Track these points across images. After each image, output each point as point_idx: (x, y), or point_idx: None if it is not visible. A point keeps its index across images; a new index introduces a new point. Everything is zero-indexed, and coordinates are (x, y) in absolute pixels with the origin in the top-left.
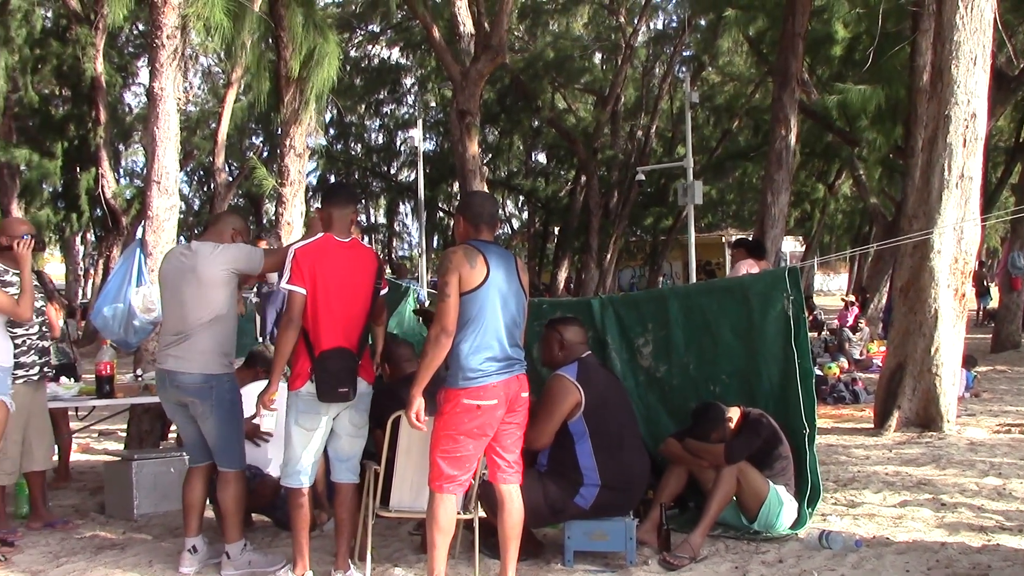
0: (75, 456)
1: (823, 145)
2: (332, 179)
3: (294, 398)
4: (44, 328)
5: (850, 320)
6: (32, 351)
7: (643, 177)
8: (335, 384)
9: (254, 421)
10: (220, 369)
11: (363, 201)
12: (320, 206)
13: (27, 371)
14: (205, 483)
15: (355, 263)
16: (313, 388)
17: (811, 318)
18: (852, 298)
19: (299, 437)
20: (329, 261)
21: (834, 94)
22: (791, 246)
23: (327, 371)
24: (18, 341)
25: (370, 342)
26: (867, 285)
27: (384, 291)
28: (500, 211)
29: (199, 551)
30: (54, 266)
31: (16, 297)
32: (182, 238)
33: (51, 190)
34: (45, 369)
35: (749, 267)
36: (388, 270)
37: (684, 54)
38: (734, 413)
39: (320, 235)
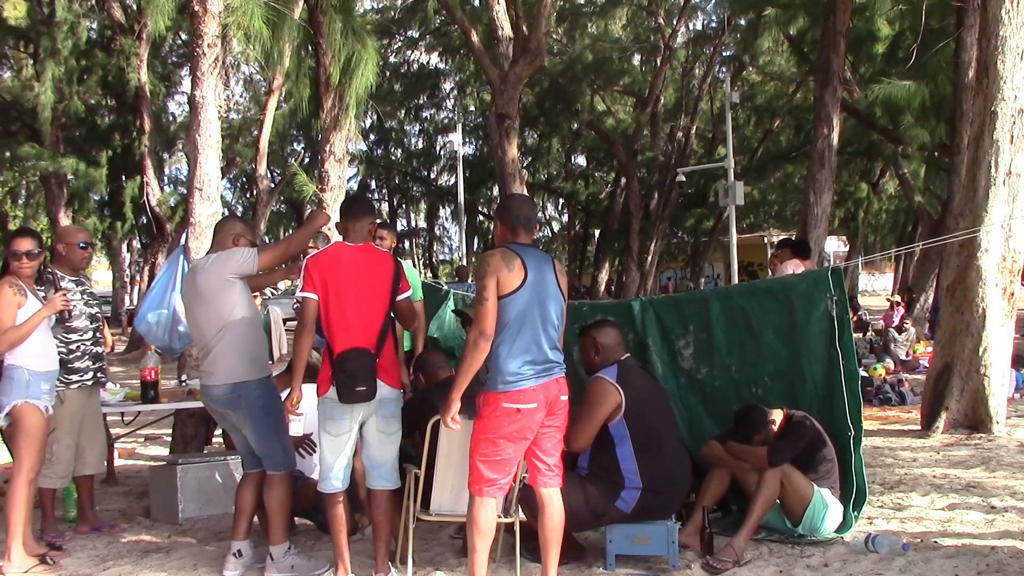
0: (120, 461)
1: (866, 143)
2: (373, 184)
3: (321, 405)
4: (98, 335)
5: (896, 320)
6: (86, 356)
7: (683, 178)
8: (352, 383)
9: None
10: (245, 376)
11: (403, 206)
12: (339, 219)
13: (81, 376)
14: (257, 489)
15: (368, 266)
16: (335, 393)
17: (855, 319)
18: (898, 298)
19: (328, 443)
20: (340, 266)
21: (877, 91)
22: (834, 246)
23: (344, 371)
24: (72, 347)
25: (407, 347)
26: (913, 285)
27: (407, 294)
28: (540, 214)
29: (244, 555)
30: (101, 273)
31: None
32: None
33: (97, 198)
34: (99, 375)
35: (795, 267)
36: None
37: (724, 54)
38: (777, 415)
39: (331, 243)
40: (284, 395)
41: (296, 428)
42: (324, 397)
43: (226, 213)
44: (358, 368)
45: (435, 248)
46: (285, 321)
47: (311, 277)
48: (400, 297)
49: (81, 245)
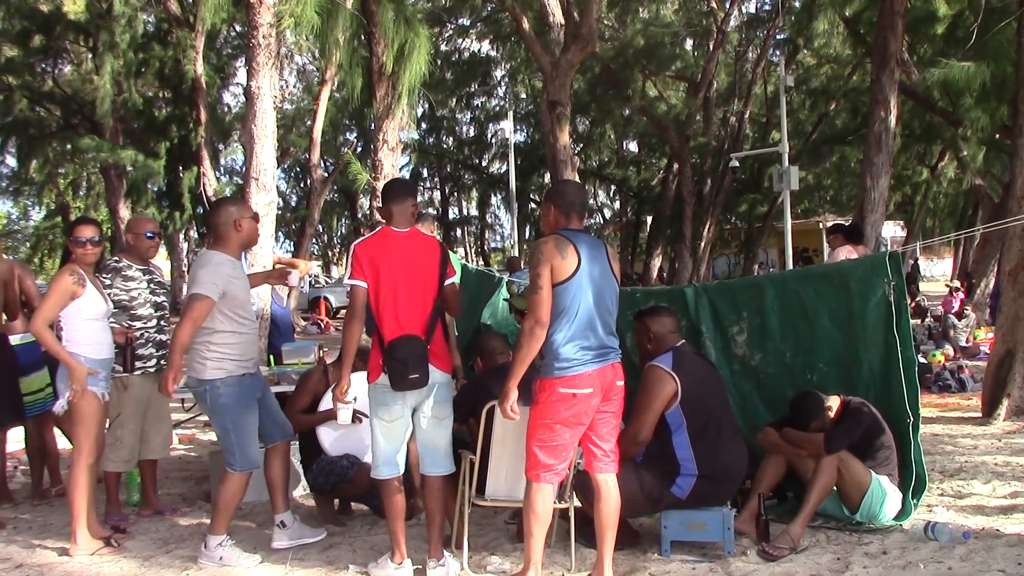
0: (180, 446)
1: (925, 126)
2: (424, 172)
3: (372, 391)
4: (163, 322)
5: (955, 306)
6: (151, 344)
7: (737, 164)
8: (405, 371)
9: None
10: (212, 375)
11: (455, 194)
12: (380, 204)
13: (145, 363)
14: (282, 461)
15: (416, 251)
16: (387, 380)
17: (914, 305)
18: (957, 284)
19: (380, 429)
20: (388, 251)
21: (936, 72)
22: (892, 231)
23: (396, 359)
24: (137, 334)
25: (456, 334)
26: (973, 270)
27: (453, 279)
28: (591, 201)
29: (288, 526)
30: (159, 263)
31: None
32: (280, 233)
33: (155, 189)
34: (163, 362)
35: (848, 253)
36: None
37: (778, 37)
38: (833, 402)
39: (378, 229)
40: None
41: (345, 416)
42: (375, 384)
43: (280, 203)
44: (410, 356)
45: (487, 236)
46: (337, 310)
47: (360, 264)
48: (448, 282)
49: (148, 235)
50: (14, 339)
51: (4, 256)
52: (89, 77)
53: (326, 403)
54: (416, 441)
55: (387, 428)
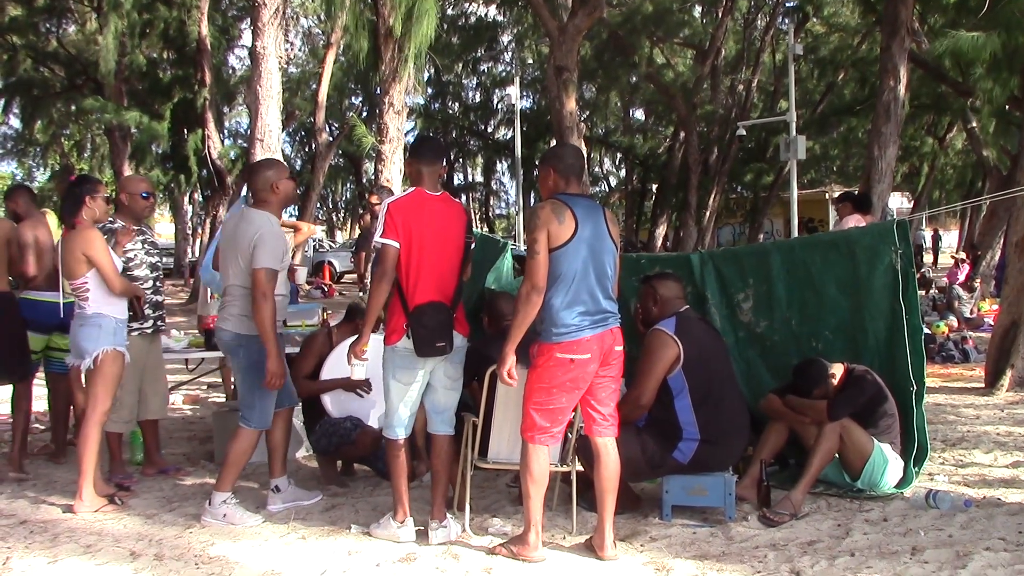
0: (184, 407)
1: (934, 97)
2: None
3: (391, 353)
4: (158, 283)
5: (961, 278)
6: (147, 305)
7: (744, 132)
8: (432, 339)
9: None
10: (250, 331)
11: (460, 160)
12: (408, 161)
13: (142, 324)
14: (285, 426)
15: (447, 216)
16: (409, 343)
17: (919, 276)
18: (963, 255)
19: (396, 391)
20: (423, 215)
21: (946, 42)
22: (898, 202)
23: (424, 326)
24: None
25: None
26: (979, 242)
27: (472, 245)
28: (597, 169)
29: (283, 490)
30: (163, 226)
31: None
32: None
33: (160, 151)
34: (159, 323)
35: (856, 222)
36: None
37: (787, 5)
38: (837, 369)
39: (412, 189)
40: (343, 345)
41: (359, 372)
42: (396, 347)
43: (285, 166)
44: (438, 324)
45: (491, 203)
46: (341, 274)
47: (394, 223)
48: (471, 248)
49: (143, 195)
50: (56, 296)
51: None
52: (93, 37)
53: (329, 366)
54: (426, 401)
55: (404, 391)
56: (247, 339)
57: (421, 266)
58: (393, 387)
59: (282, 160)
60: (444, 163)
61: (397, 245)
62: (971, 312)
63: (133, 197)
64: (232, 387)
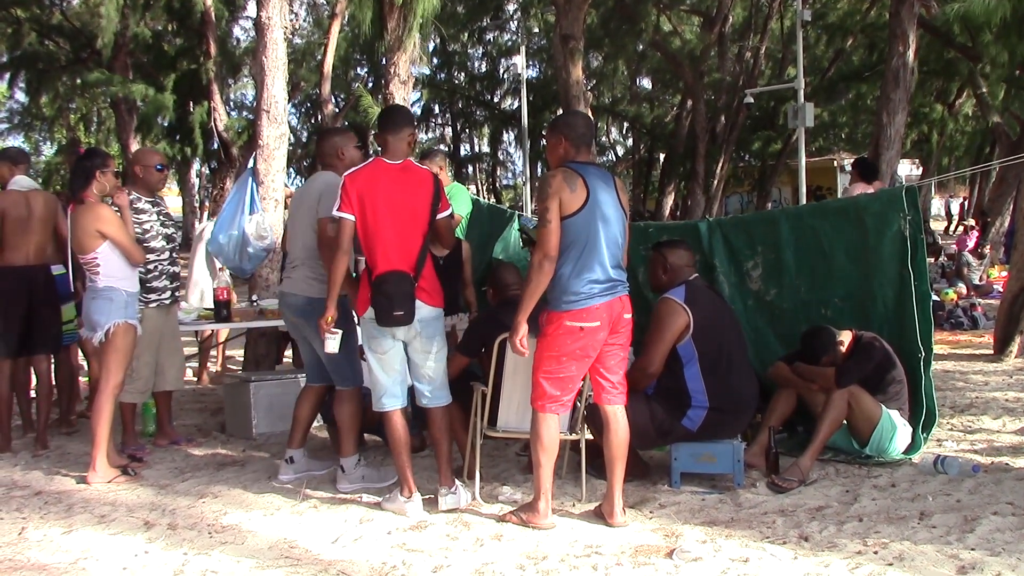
0: (195, 379)
1: (943, 62)
2: (436, 108)
3: (364, 324)
4: (174, 254)
5: (970, 244)
6: (164, 276)
7: (751, 100)
8: (390, 307)
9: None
10: (321, 293)
11: (466, 130)
12: (376, 133)
13: (159, 295)
14: (316, 402)
15: (407, 185)
16: (374, 314)
17: (928, 242)
18: (972, 222)
19: (375, 361)
20: (378, 184)
21: (956, 7)
22: (907, 169)
23: (383, 294)
24: (150, 267)
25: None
26: (988, 208)
27: (446, 213)
28: (604, 138)
29: (296, 462)
30: (171, 199)
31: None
32: (292, 168)
33: (166, 124)
34: (176, 294)
35: (862, 189)
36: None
37: None
38: (845, 337)
39: (370, 160)
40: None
41: (332, 345)
42: (364, 318)
43: (291, 138)
44: (397, 293)
45: (498, 173)
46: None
47: (348, 196)
48: (440, 216)
49: (158, 167)
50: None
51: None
52: (97, 10)
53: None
54: (411, 375)
55: (381, 360)
56: (319, 302)
57: (379, 235)
58: (372, 358)
59: (290, 131)
60: (412, 129)
61: (352, 218)
62: (980, 279)
63: (147, 170)
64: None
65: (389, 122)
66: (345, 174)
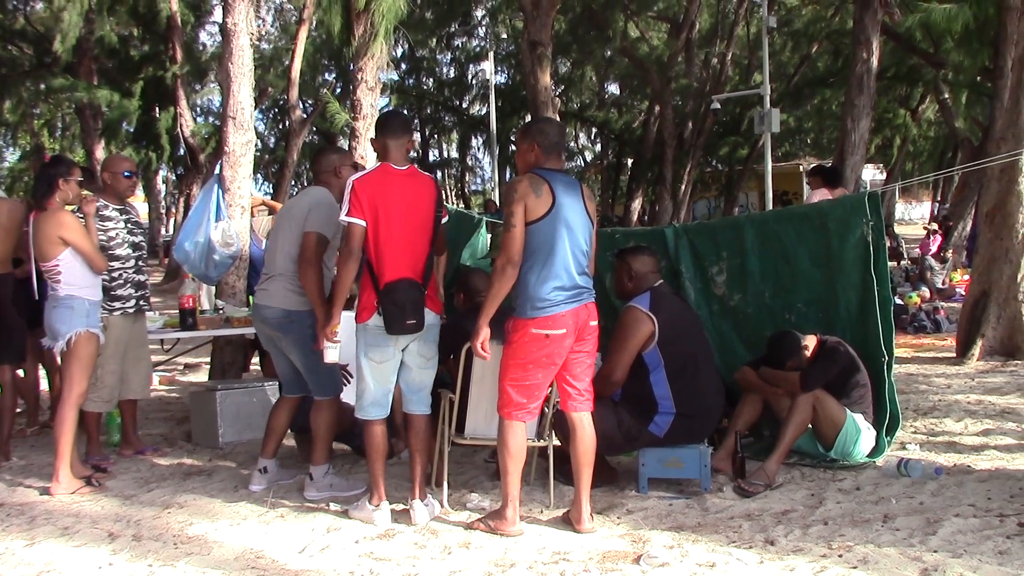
0: (161, 387)
1: (906, 68)
2: (405, 114)
3: (362, 331)
4: (141, 262)
5: (933, 249)
6: (129, 284)
7: (718, 106)
8: (403, 316)
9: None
10: (299, 306)
11: (435, 136)
12: (375, 136)
13: (124, 303)
14: (291, 413)
15: (416, 191)
16: (381, 321)
17: (891, 247)
18: (935, 226)
19: (369, 370)
20: (389, 190)
21: (918, 15)
22: (871, 174)
23: (394, 303)
24: (115, 275)
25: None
26: (950, 213)
27: (445, 220)
28: (573, 143)
29: (269, 472)
30: (137, 205)
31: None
32: (259, 175)
33: (131, 129)
34: (141, 302)
35: (823, 196)
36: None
37: None
38: (810, 341)
39: (377, 165)
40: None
41: (332, 356)
42: (366, 324)
43: (258, 144)
44: (409, 301)
45: (467, 179)
46: None
47: (359, 201)
48: (442, 223)
49: (126, 174)
50: None
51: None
52: (61, 15)
53: None
54: (402, 380)
55: (377, 369)
56: (297, 314)
57: (389, 242)
58: (366, 366)
59: (256, 138)
60: (411, 136)
61: (363, 223)
62: (943, 283)
63: (116, 176)
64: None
65: (391, 127)
66: (353, 178)
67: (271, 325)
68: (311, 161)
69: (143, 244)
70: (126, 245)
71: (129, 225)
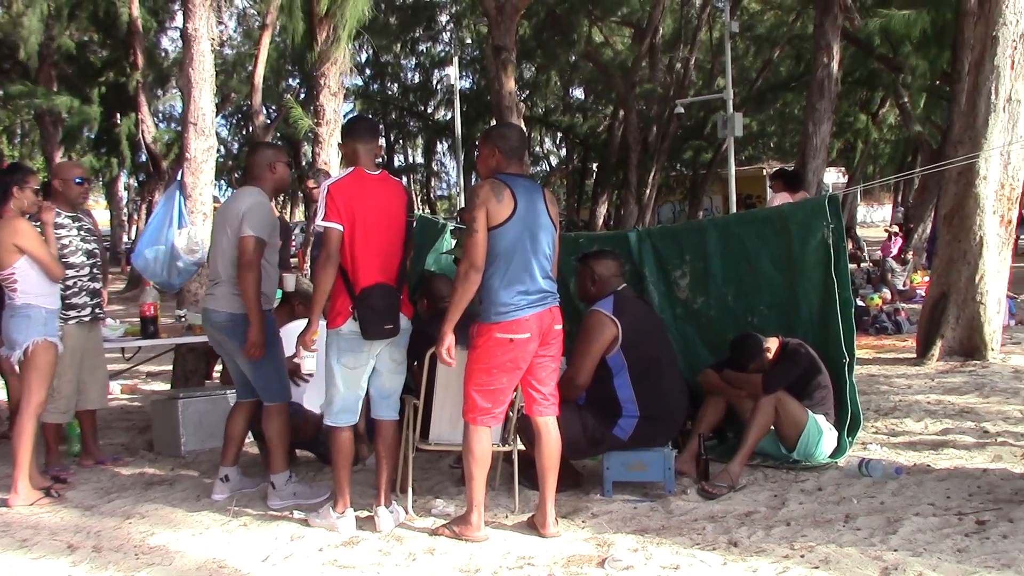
0: (123, 396)
1: (867, 73)
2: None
3: (335, 337)
4: (95, 270)
5: (893, 251)
6: (83, 292)
7: (682, 110)
8: (380, 321)
9: (295, 360)
10: (245, 309)
11: (400, 141)
12: (343, 141)
13: (79, 312)
14: (248, 418)
15: (388, 196)
16: (356, 326)
17: (852, 249)
18: (896, 229)
19: (342, 376)
20: (364, 195)
21: (878, 20)
22: (833, 177)
23: (371, 308)
24: (69, 283)
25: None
26: (911, 215)
27: (414, 224)
28: (538, 148)
29: (231, 480)
30: (98, 213)
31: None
32: (222, 180)
33: (92, 136)
34: (97, 311)
35: (784, 199)
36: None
37: None
38: (772, 343)
39: (351, 170)
40: (288, 328)
41: (310, 364)
42: (340, 330)
43: (221, 150)
44: (385, 306)
45: (432, 184)
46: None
47: (335, 205)
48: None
49: (77, 180)
50: None
51: None
52: (20, 20)
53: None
54: (371, 386)
55: (349, 375)
56: (243, 318)
57: (365, 247)
58: (339, 372)
59: (218, 144)
60: (379, 141)
61: (341, 228)
62: (904, 284)
63: (67, 183)
64: None
65: (360, 132)
66: (328, 183)
67: (218, 329)
68: (247, 158)
69: (97, 251)
70: (80, 253)
71: (82, 232)
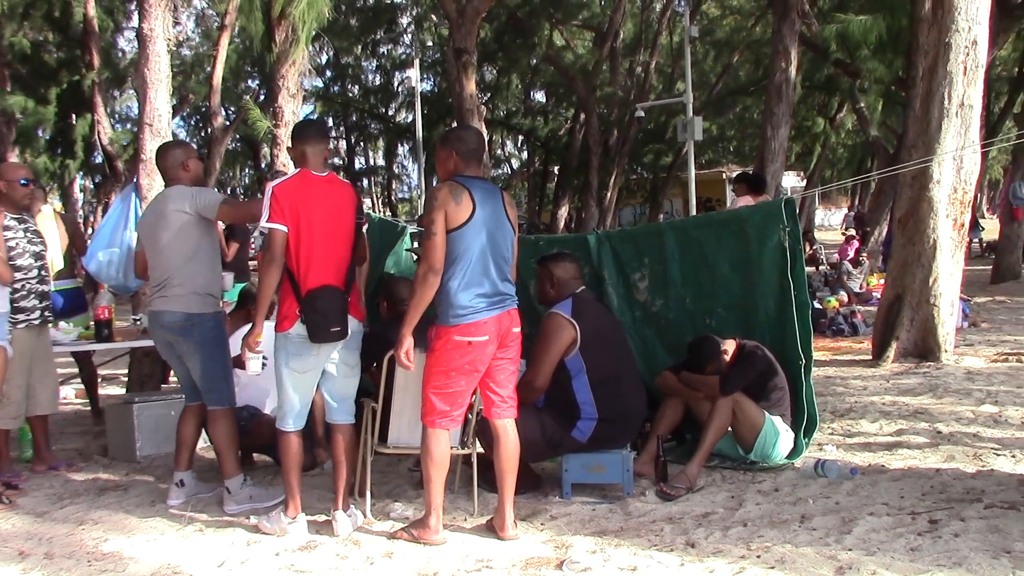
0: (77, 401)
1: (824, 78)
2: (330, 121)
3: (283, 340)
4: (43, 272)
5: (850, 254)
6: (32, 295)
7: (643, 114)
8: (327, 324)
9: (242, 359)
10: (200, 308)
11: (361, 143)
12: (292, 144)
13: (28, 316)
14: (198, 421)
15: (336, 198)
16: (303, 329)
17: (811, 253)
18: (852, 232)
19: (291, 379)
20: (310, 196)
21: (834, 26)
22: (792, 181)
23: (317, 311)
24: (17, 286)
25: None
26: (867, 219)
27: (364, 227)
28: (499, 151)
29: (186, 485)
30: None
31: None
32: None
33: (47, 137)
34: (46, 314)
35: (745, 202)
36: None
37: None
38: (729, 346)
39: (296, 171)
40: (237, 334)
41: (255, 366)
42: (288, 333)
43: None
44: (331, 308)
45: (393, 186)
46: None
47: (280, 206)
48: (363, 230)
49: (22, 182)
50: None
51: None
52: None
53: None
54: (324, 390)
55: (298, 379)
56: (199, 317)
57: (312, 249)
58: (286, 376)
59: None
60: (328, 143)
61: (285, 229)
62: (860, 287)
63: (11, 185)
64: None
65: (308, 135)
66: (273, 184)
67: (172, 330)
68: (157, 160)
69: (44, 253)
70: (27, 255)
71: (29, 234)
